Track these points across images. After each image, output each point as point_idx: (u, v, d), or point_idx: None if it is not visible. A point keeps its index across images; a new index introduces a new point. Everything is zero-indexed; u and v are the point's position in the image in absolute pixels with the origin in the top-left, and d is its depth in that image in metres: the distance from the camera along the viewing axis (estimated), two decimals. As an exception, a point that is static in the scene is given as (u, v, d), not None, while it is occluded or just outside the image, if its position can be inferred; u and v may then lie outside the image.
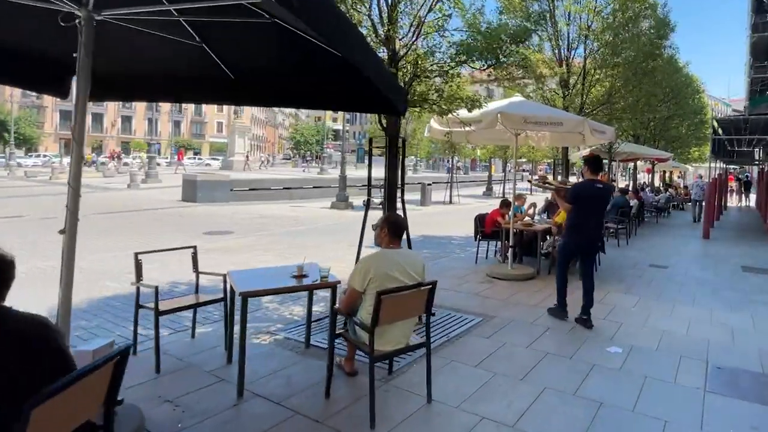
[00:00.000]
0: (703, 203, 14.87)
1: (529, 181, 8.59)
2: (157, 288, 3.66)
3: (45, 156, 48.23)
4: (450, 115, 6.46)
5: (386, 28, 4.45)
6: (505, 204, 8.02)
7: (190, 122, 73.67)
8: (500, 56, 4.68)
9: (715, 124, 13.45)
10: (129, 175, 22.90)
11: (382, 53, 4.65)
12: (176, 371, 3.69)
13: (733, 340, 4.87)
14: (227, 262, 7.83)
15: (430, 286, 3.26)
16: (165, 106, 68.11)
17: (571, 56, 9.87)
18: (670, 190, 20.91)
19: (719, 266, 8.82)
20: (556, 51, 10.03)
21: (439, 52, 4.67)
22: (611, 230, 11.50)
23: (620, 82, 9.38)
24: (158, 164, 51.56)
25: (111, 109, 65.51)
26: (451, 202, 21.66)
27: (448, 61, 4.63)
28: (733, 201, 29.10)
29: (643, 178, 31.55)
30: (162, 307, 3.77)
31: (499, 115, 5.93)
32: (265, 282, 3.62)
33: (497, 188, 27.92)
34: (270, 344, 4.32)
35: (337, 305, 3.50)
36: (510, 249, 7.47)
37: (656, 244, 11.28)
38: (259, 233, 11.29)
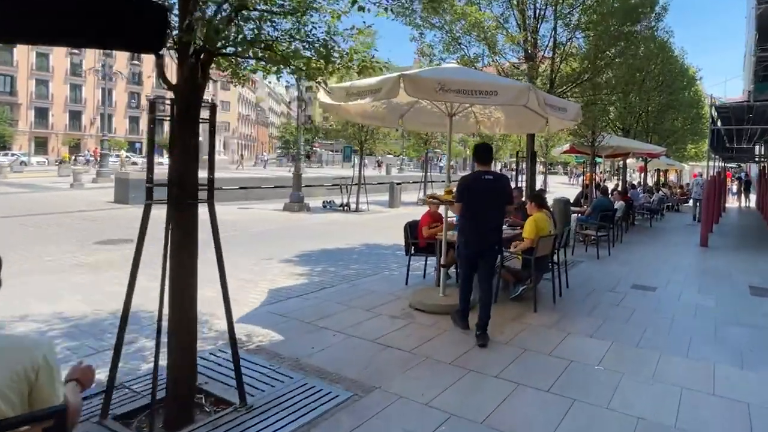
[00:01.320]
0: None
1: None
2: None
3: (14, 155, 46.27)
4: (343, 84, 4.65)
5: None
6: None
7: (173, 120, 71.41)
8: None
9: (714, 113, 11.59)
10: (72, 174, 20.92)
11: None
12: None
13: (751, 433, 2.97)
14: (68, 286, 5.93)
15: (50, 420, 1.33)
16: (145, 104, 66.07)
17: (539, 25, 7.97)
18: (663, 189, 19.06)
19: (721, 286, 6.93)
20: (521, 21, 8.13)
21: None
22: (591, 238, 9.64)
23: (594, 47, 7.47)
24: (135, 163, 50.09)
25: (90, 106, 63.53)
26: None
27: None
28: (732, 201, 27.32)
29: (637, 177, 29.84)
30: None
31: (401, 79, 4.04)
32: None
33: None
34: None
35: None
36: (442, 269, 5.56)
37: (645, 255, 9.39)
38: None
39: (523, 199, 7.54)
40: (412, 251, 6.39)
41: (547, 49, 8.05)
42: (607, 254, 9.06)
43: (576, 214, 11.20)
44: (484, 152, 4.56)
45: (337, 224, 13.19)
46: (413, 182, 26.42)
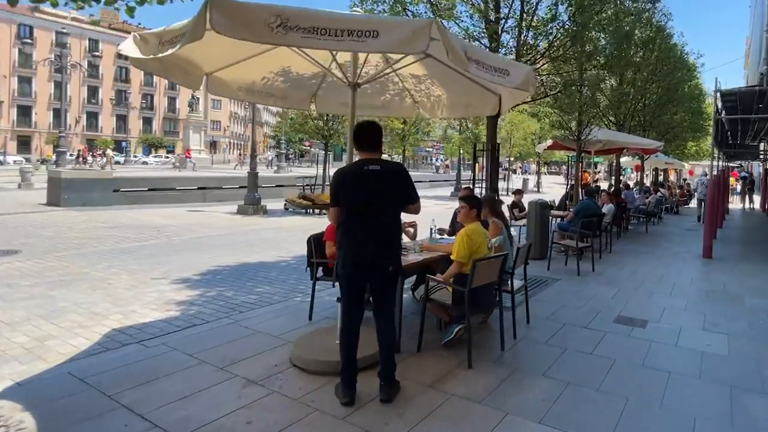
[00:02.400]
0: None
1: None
2: None
3: (-6, 154, 44.83)
4: (155, 30, 3.08)
5: None
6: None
7: (162, 119, 69.94)
8: None
9: (719, 102, 9.94)
10: (21, 174, 19.32)
11: None
12: None
13: None
14: None
15: None
16: (135, 102, 64.42)
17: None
18: (661, 190, 17.42)
19: (733, 319, 5.28)
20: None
21: None
22: (573, 250, 7.99)
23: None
24: (119, 162, 48.35)
25: (75, 104, 61.89)
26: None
27: None
28: (734, 202, 25.70)
29: (636, 177, 28.26)
30: None
31: (208, 8, 2.41)
32: None
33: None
34: None
35: None
36: (338, 303, 3.93)
37: (636, 270, 7.75)
38: (61, 252, 7.69)
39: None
40: (319, 274, 4.77)
41: (512, 17, 6.41)
42: (590, 269, 7.42)
43: (556, 219, 9.60)
44: (366, 134, 3.15)
45: (286, 230, 11.57)
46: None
